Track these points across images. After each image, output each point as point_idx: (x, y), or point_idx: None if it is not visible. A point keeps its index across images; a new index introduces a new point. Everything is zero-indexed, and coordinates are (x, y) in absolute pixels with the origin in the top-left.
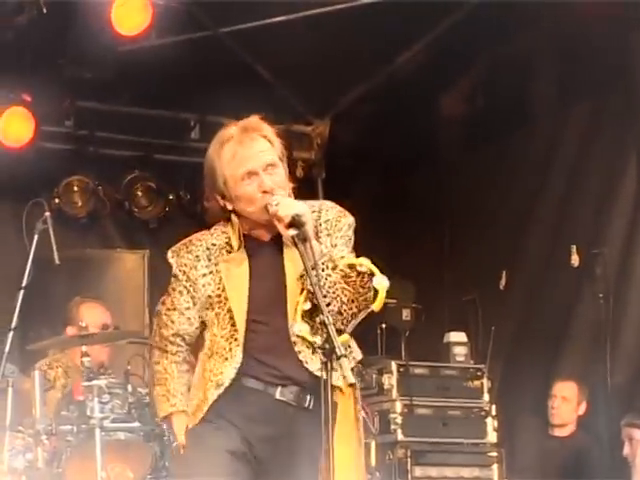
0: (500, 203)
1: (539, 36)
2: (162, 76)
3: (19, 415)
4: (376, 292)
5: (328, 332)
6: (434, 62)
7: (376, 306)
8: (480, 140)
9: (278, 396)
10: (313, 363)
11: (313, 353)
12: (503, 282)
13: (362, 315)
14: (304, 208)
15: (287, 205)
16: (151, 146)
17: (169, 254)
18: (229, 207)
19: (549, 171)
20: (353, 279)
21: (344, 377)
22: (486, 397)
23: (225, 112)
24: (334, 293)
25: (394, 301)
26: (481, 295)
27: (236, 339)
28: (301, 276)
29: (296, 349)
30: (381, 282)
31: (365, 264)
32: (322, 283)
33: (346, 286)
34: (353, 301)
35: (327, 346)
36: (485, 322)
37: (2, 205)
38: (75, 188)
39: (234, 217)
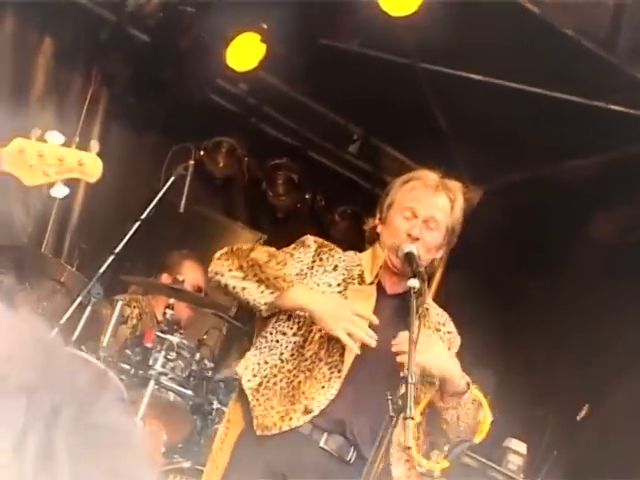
0: (603, 338)
1: None
2: (346, 81)
3: (87, 336)
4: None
5: (406, 390)
6: (600, 180)
7: (478, 437)
8: (622, 272)
9: (322, 444)
10: None
11: None
12: (582, 414)
13: (465, 445)
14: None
15: (412, 254)
16: (309, 141)
17: (311, 238)
18: (378, 229)
19: None
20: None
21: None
22: None
23: (389, 140)
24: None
25: None
26: (554, 416)
27: (339, 370)
28: None
29: None
30: (487, 415)
31: (475, 392)
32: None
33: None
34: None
35: (400, 402)
36: (549, 443)
37: (151, 135)
38: (223, 149)
39: (379, 248)
